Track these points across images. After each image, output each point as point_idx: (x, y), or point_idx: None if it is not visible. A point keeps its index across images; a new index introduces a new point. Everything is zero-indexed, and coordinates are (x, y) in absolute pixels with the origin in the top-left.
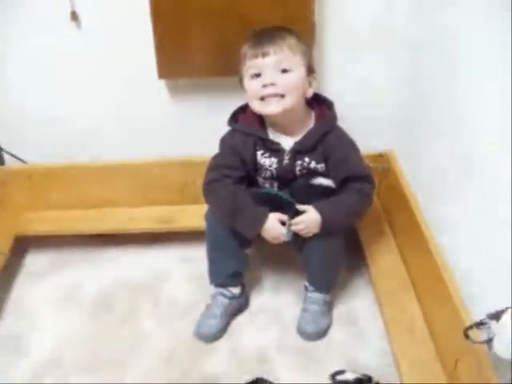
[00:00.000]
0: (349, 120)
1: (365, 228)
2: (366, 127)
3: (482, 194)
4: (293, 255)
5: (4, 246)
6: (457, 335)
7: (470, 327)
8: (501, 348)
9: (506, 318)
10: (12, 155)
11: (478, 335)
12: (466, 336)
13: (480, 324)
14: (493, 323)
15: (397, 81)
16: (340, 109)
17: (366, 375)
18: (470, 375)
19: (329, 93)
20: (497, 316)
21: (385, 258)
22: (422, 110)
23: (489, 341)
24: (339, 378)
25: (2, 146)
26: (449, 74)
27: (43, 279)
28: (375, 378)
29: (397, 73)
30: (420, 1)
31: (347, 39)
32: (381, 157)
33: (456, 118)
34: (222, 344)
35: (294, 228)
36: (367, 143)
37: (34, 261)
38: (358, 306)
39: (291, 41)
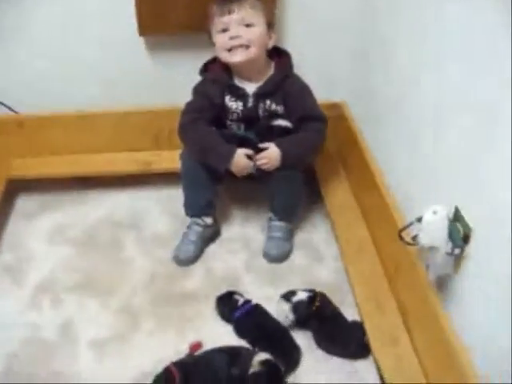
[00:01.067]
0: (306, 71)
1: (321, 168)
2: (321, 78)
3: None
4: (257, 192)
5: None
6: (397, 247)
7: (403, 229)
8: (424, 239)
9: (426, 216)
10: (4, 105)
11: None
12: (400, 237)
13: (409, 225)
14: (418, 224)
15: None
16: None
17: (313, 290)
18: (405, 276)
19: (287, 45)
20: (420, 218)
21: (339, 194)
22: (369, 64)
23: (415, 237)
24: (294, 298)
25: None
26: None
27: (34, 218)
28: (322, 292)
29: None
30: None
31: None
32: (334, 106)
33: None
34: (197, 267)
35: (258, 163)
36: (323, 93)
37: (24, 203)
38: (316, 235)
39: (253, 0)
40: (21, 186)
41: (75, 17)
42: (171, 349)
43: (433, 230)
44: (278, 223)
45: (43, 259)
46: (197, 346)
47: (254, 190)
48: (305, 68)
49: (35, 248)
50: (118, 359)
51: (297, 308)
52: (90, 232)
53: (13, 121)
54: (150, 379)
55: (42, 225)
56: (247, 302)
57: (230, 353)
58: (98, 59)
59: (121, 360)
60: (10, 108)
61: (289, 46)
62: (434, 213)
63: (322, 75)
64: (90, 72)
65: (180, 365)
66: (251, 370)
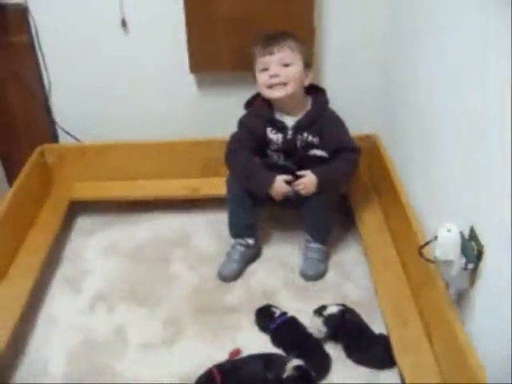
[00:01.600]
0: (340, 106)
1: (355, 195)
2: (355, 112)
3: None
4: (294, 216)
5: (61, 210)
6: (421, 266)
7: (422, 247)
8: (439, 254)
9: (440, 233)
10: (69, 134)
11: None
12: (420, 254)
13: (428, 243)
14: (435, 241)
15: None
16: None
17: (345, 305)
18: (428, 292)
19: (323, 83)
20: (437, 236)
21: (371, 218)
22: (400, 100)
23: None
24: (326, 312)
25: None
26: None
27: (91, 236)
28: (351, 308)
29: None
30: None
31: (341, 43)
32: (368, 138)
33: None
34: (238, 284)
35: (296, 188)
36: (355, 126)
37: (83, 222)
38: (348, 256)
39: (291, 42)
40: (81, 207)
41: (132, 57)
42: (212, 355)
43: (447, 245)
44: (314, 245)
45: (99, 272)
46: (236, 352)
47: (292, 214)
48: (339, 103)
49: (92, 262)
50: (162, 361)
51: (329, 320)
52: (141, 249)
53: (76, 149)
54: (193, 380)
55: (98, 242)
56: (283, 314)
57: (266, 359)
58: (154, 94)
59: (165, 362)
60: (74, 137)
61: (325, 83)
62: (449, 231)
63: (355, 110)
64: (146, 106)
65: (221, 368)
66: (285, 375)
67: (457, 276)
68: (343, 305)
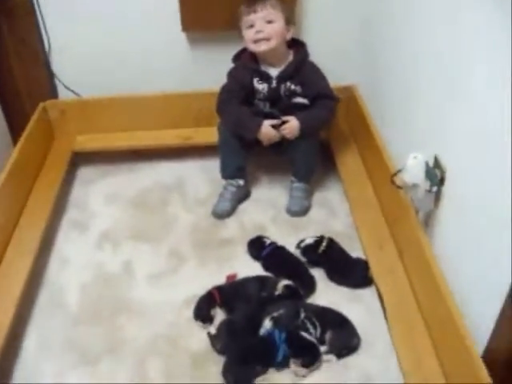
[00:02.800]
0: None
1: (335, 141)
2: (335, 66)
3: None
4: (280, 160)
5: (64, 161)
6: (395, 200)
7: (394, 175)
8: (407, 178)
9: (408, 161)
10: (70, 90)
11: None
12: (392, 182)
13: (398, 172)
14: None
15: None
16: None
17: (320, 236)
18: (401, 221)
19: (304, 36)
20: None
21: (350, 161)
22: (379, 52)
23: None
24: (303, 244)
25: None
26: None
27: (94, 185)
28: (330, 237)
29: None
30: None
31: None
32: (346, 89)
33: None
34: (231, 220)
35: (281, 132)
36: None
37: (85, 172)
38: (331, 195)
39: (273, 1)
40: (82, 159)
41: (128, 16)
42: (211, 280)
43: (413, 171)
44: (298, 184)
45: (103, 215)
46: (233, 276)
47: (278, 158)
48: (321, 57)
49: (96, 207)
50: (168, 288)
51: (305, 251)
52: (141, 194)
53: (76, 103)
54: (195, 301)
55: (100, 189)
56: (272, 243)
57: (260, 280)
58: (149, 52)
59: (171, 289)
60: (74, 92)
61: (307, 38)
62: (415, 158)
63: (334, 62)
64: (141, 63)
65: (220, 288)
66: (277, 293)
67: (423, 198)
68: (321, 236)
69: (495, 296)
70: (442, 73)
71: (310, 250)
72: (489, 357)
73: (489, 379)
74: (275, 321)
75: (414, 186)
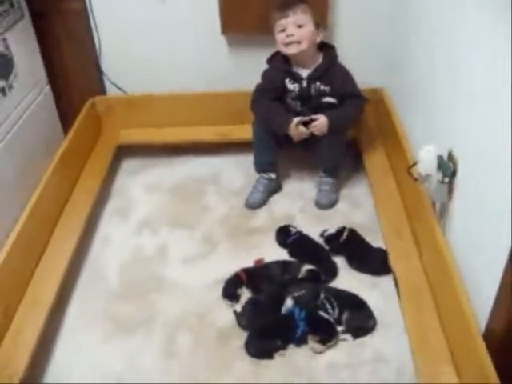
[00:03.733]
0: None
1: (363, 140)
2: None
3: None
4: (309, 157)
5: (109, 153)
6: (415, 194)
7: (410, 167)
8: (421, 169)
9: (421, 153)
10: (117, 87)
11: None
12: (409, 173)
13: (414, 164)
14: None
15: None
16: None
17: (342, 227)
18: (419, 213)
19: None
20: None
21: (376, 158)
22: (403, 55)
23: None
24: (326, 233)
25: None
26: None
27: (136, 176)
28: (352, 228)
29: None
30: None
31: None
32: (375, 91)
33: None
34: (263, 210)
35: (311, 129)
36: (365, 78)
37: (128, 164)
38: (357, 189)
39: (303, 6)
40: (126, 152)
41: (171, 21)
42: (240, 265)
43: (426, 162)
44: (326, 179)
45: (143, 203)
46: (260, 261)
47: (308, 154)
48: (349, 59)
49: (137, 196)
50: (199, 270)
51: (328, 240)
52: (179, 186)
53: (122, 99)
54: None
55: (141, 180)
56: (298, 231)
57: (284, 264)
58: (190, 53)
59: (203, 270)
60: (121, 89)
61: (336, 41)
62: (428, 150)
63: (364, 65)
64: (183, 63)
65: (246, 270)
66: (299, 276)
67: (436, 189)
68: (343, 227)
69: (495, 286)
70: (458, 76)
71: (332, 239)
72: (488, 335)
73: (488, 357)
74: (296, 300)
75: (428, 176)
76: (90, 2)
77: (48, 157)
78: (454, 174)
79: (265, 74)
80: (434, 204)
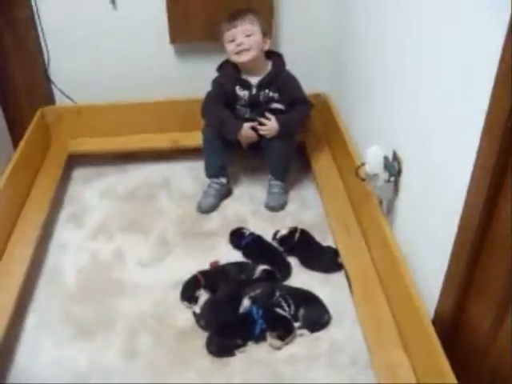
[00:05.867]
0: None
1: (310, 143)
2: (308, 73)
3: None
4: (259, 162)
5: (60, 162)
6: (361, 191)
7: (357, 168)
8: (368, 168)
9: (368, 153)
10: (67, 97)
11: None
12: (357, 174)
13: (361, 165)
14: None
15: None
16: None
17: (293, 227)
18: (366, 209)
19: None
20: None
21: (322, 160)
22: (344, 63)
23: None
24: (278, 235)
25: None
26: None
27: (88, 183)
28: (303, 228)
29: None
30: None
31: (296, 17)
32: (319, 96)
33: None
34: (215, 214)
35: (261, 132)
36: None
37: (81, 173)
38: (305, 191)
39: (251, 17)
40: (78, 161)
41: (121, 30)
42: (196, 267)
43: (373, 162)
44: (275, 182)
45: (97, 210)
46: (215, 263)
47: (257, 160)
48: (295, 66)
49: (90, 202)
50: (157, 272)
51: (281, 241)
52: (132, 192)
53: (72, 109)
54: (181, 284)
55: (94, 187)
56: (252, 233)
57: (240, 265)
58: (139, 62)
59: (159, 273)
60: (70, 98)
61: (283, 48)
62: (374, 151)
63: (308, 72)
64: (132, 72)
65: (203, 272)
66: (255, 276)
67: (383, 187)
68: (295, 227)
69: (441, 273)
70: (392, 81)
71: (285, 240)
72: (437, 320)
73: (437, 340)
74: (253, 299)
75: (375, 176)
76: (38, 11)
77: None
78: (399, 172)
79: (215, 82)
80: (380, 202)
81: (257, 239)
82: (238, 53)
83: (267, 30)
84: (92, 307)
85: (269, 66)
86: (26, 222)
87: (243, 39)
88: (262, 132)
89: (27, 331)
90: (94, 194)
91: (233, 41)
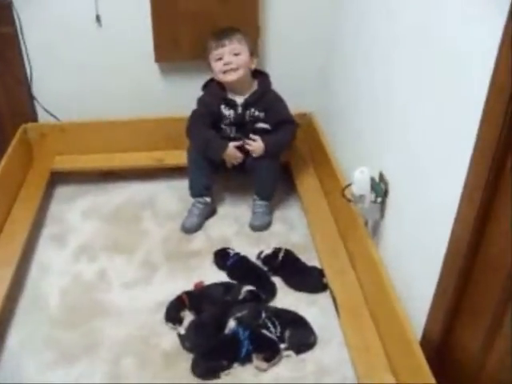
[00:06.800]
0: (282, 88)
1: (295, 163)
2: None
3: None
4: (244, 181)
5: (42, 180)
6: (347, 213)
7: (344, 189)
8: (355, 189)
9: (355, 174)
10: (51, 114)
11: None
12: (343, 195)
13: (347, 186)
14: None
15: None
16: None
17: (278, 247)
18: (352, 231)
19: (268, 68)
20: None
21: (308, 181)
22: (332, 84)
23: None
24: (262, 255)
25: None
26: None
27: (71, 201)
28: (288, 249)
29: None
30: None
31: (283, 36)
32: (305, 115)
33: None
34: (199, 234)
35: (247, 147)
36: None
37: (63, 191)
38: (290, 211)
39: (238, 36)
40: (60, 179)
41: (106, 49)
42: (181, 288)
43: (360, 183)
44: (260, 202)
45: (80, 230)
46: (200, 284)
47: (242, 179)
48: (281, 86)
49: (73, 222)
50: (141, 294)
51: (265, 261)
52: (115, 211)
53: (56, 126)
54: (166, 305)
55: (77, 206)
56: (237, 253)
57: (225, 285)
58: (124, 80)
59: (144, 294)
60: (55, 116)
61: (269, 68)
62: (361, 172)
63: (294, 92)
64: (117, 90)
65: (188, 293)
66: (240, 297)
67: (369, 208)
68: (279, 247)
69: (429, 295)
70: (380, 103)
71: (269, 260)
72: (425, 343)
73: (426, 363)
74: (239, 320)
75: (361, 197)
76: (21, 27)
77: None
78: (385, 193)
79: (200, 101)
80: (366, 222)
81: (241, 259)
82: (225, 72)
83: (254, 49)
84: (75, 330)
85: (255, 85)
86: (7, 241)
87: (231, 58)
88: (248, 147)
89: (7, 357)
90: (77, 213)
91: (220, 59)
